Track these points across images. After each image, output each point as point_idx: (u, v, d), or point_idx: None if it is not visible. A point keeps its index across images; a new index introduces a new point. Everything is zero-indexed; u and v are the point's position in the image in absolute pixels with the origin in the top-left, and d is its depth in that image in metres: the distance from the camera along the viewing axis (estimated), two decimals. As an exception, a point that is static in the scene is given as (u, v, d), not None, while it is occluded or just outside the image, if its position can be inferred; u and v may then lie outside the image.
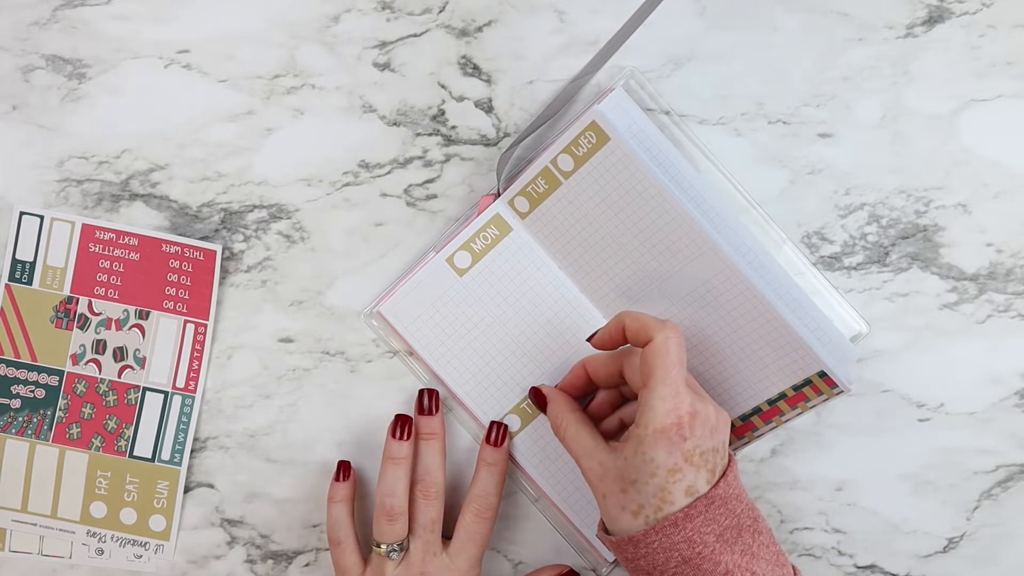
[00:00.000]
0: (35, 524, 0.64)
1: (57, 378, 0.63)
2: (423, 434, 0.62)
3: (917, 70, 0.63)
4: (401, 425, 0.62)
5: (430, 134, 0.64)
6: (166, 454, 0.64)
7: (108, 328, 0.63)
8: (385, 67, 0.64)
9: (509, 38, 0.63)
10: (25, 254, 0.63)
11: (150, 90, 0.64)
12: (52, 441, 0.64)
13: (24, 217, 0.63)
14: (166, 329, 0.64)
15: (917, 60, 0.63)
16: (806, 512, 0.65)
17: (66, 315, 0.63)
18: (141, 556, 0.64)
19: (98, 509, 0.64)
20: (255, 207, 0.64)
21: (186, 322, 0.64)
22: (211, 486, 0.65)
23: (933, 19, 0.63)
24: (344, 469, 0.63)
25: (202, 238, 0.64)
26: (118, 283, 0.63)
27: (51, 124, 0.64)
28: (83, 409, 0.64)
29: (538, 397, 0.62)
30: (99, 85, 0.63)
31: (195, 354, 0.64)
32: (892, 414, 0.64)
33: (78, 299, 0.63)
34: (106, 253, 0.63)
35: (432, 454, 0.62)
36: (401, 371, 0.64)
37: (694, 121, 0.63)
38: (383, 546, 0.60)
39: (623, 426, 0.61)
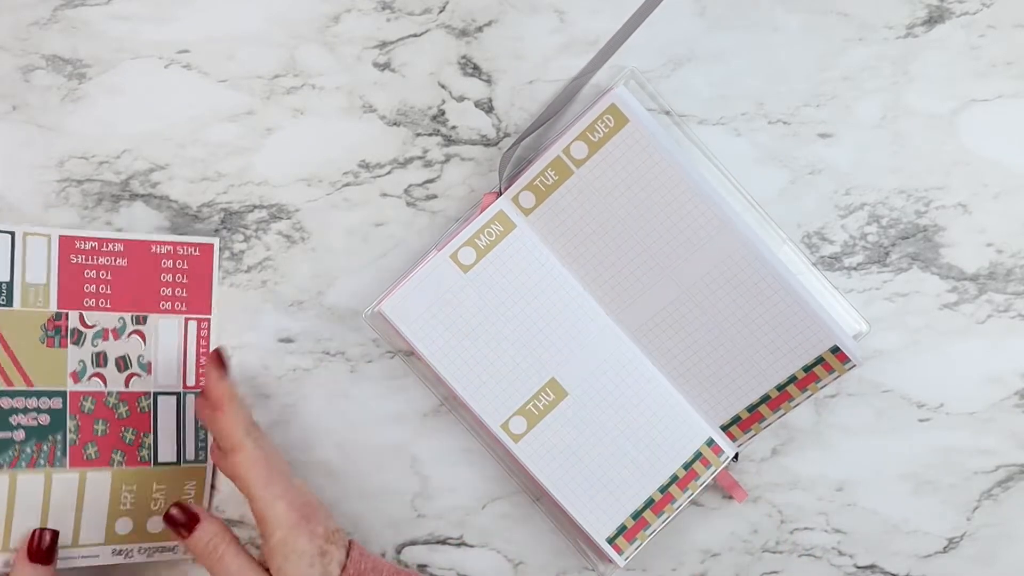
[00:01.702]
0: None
1: (60, 400, 0.59)
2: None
3: (917, 70, 0.63)
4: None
5: (430, 134, 0.64)
6: (190, 454, 0.63)
7: (105, 339, 0.61)
8: (385, 67, 0.64)
9: (509, 38, 0.63)
10: (0, 274, 0.59)
11: (150, 90, 0.63)
12: (70, 466, 0.59)
13: None
14: (167, 330, 0.63)
15: (917, 60, 0.63)
16: (806, 512, 0.65)
17: (56, 332, 0.59)
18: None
19: (123, 525, 0.61)
20: (255, 207, 0.64)
21: (187, 319, 0.63)
22: (211, 486, 0.65)
23: (933, 19, 0.63)
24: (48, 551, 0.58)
25: (202, 238, 0.64)
26: (108, 292, 0.61)
27: (51, 124, 0.63)
28: (95, 426, 0.60)
29: (189, 516, 0.57)
30: (99, 85, 0.63)
31: (201, 350, 0.63)
32: (892, 414, 0.64)
33: (67, 314, 0.60)
34: (90, 263, 0.61)
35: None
36: (401, 371, 0.64)
37: (694, 121, 0.63)
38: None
39: None
